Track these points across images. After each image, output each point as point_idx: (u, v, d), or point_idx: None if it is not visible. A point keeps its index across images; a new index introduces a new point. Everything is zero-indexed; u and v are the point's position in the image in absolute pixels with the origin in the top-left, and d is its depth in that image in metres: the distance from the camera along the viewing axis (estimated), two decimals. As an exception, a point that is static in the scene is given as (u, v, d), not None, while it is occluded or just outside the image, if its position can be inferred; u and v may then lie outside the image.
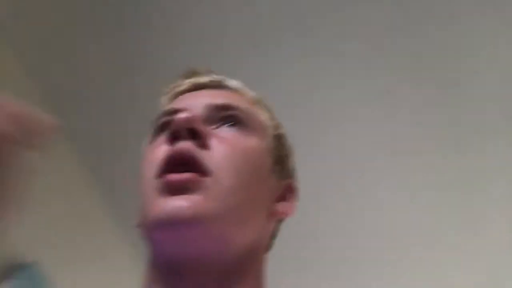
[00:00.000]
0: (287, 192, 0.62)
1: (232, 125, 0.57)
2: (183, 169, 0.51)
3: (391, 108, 1.60)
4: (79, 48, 1.63)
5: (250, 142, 0.57)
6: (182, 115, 0.53)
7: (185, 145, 0.52)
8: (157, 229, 0.50)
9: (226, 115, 0.57)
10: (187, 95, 0.62)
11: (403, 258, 1.76)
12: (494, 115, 1.55)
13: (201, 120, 0.54)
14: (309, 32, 1.52)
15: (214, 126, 0.56)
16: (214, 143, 0.54)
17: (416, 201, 1.70)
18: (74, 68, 1.67)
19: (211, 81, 0.63)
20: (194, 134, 0.52)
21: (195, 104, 0.58)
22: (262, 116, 0.62)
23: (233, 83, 0.64)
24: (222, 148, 0.54)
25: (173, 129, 0.53)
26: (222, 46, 1.56)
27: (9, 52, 1.63)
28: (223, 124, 0.57)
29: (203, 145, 0.53)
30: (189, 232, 0.49)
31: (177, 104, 0.60)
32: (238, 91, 0.63)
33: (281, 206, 0.59)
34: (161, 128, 0.58)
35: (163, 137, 0.55)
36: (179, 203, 0.49)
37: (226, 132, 0.56)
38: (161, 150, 0.54)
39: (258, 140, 0.58)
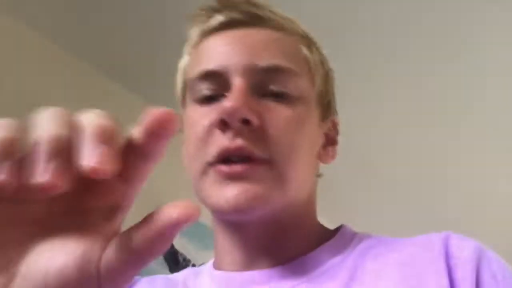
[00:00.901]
0: (330, 132, 0.61)
1: (283, 96, 0.54)
2: (237, 159, 0.50)
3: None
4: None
5: (302, 115, 0.54)
6: (228, 105, 0.50)
7: (241, 143, 0.50)
8: (218, 213, 0.54)
9: (275, 90, 0.53)
10: (222, 39, 0.56)
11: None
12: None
13: (248, 101, 0.51)
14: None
15: (261, 95, 0.53)
16: (266, 125, 0.52)
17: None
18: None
19: (251, 18, 0.56)
20: (245, 121, 0.51)
21: (235, 66, 0.53)
22: (312, 57, 0.58)
23: (278, 16, 0.57)
24: (275, 131, 0.52)
25: (223, 118, 0.51)
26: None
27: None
28: (275, 94, 0.53)
29: (256, 133, 0.51)
30: (251, 214, 0.51)
31: (212, 61, 0.55)
32: (285, 29, 0.57)
33: (324, 154, 0.59)
34: (201, 97, 0.55)
35: (208, 111, 0.53)
36: (237, 192, 0.50)
37: (275, 106, 0.53)
38: (213, 134, 0.52)
39: (308, 105, 0.56)
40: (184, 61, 0.61)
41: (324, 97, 0.59)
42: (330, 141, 0.61)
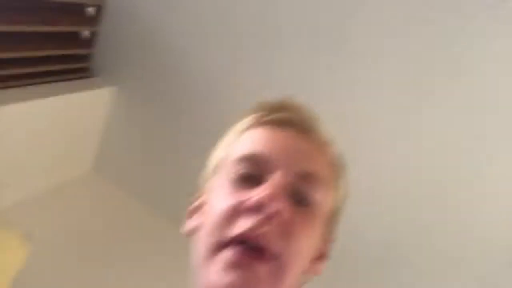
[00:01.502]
0: (324, 249, 0.62)
1: (307, 204, 0.57)
2: (252, 245, 0.51)
3: None
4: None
5: (316, 225, 0.57)
6: (270, 192, 0.52)
7: (267, 231, 0.51)
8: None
9: (304, 196, 0.56)
10: (278, 132, 0.59)
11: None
12: None
13: (285, 196, 0.54)
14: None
15: (291, 194, 0.55)
16: (289, 223, 0.53)
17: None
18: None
19: (305, 125, 0.60)
20: (278, 212, 0.52)
21: (282, 162, 0.56)
22: (339, 177, 0.62)
23: (324, 131, 0.62)
24: (291, 232, 0.53)
25: (261, 201, 0.52)
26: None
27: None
28: (300, 199, 0.56)
29: (281, 227, 0.52)
30: None
31: (263, 147, 0.57)
32: (323, 145, 0.61)
33: (314, 268, 0.60)
34: (241, 176, 0.57)
35: (240, 191, 0.55)
36: (239, 280, 0.50)
37: (298, 211, 0.55)
38: (239, 215, 0.53)
39: (323, 218, 0.59)
40: (229, 140, 0.63)
41: (335, 214, 0.62)
42: (321, 255, 0.62)
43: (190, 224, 0.62)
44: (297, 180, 0.56)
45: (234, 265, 0.50)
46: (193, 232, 0.61)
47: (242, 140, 0.61)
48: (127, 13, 1.83)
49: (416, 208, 1.69)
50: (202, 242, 0.55)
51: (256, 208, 0.52)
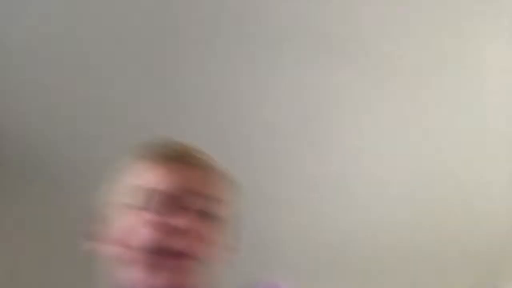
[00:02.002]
0: (232, 244, 0.79)
1: (207, 216, 0.72)
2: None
3: None
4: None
5: (221, 231, 0.74)
6: (182, 223, 0.67)
7: (188, 243, 0.68)
8: None
9: (206, 210, 0.71)
10: (174, 168, 0.73)
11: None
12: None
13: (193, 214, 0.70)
14: None
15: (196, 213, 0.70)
16: (196, 234, 0.69)
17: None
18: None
19: (197, 157, 0.76)
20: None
21: (187, 191, 0.71)
22: (230, 191, 0.78)
23: (205, 159, 0.77)
24: (203, 239, 0.70)
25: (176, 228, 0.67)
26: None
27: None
28: (201, 212, 0.71)
29: (194, 238, 0.69)
30: None
31: (168, 182, 0.71)
32: (211, 170, 0.76)
33: (223, 258, 0.77)
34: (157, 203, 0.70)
35: (162, 216, 0.69)
36: (169, 273, 0.66)
37: (201, 223, 0.70)
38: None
39: (223, 223, 0.74)
40: (131, 173, 0.76)
41: (234, 218, 0.78)
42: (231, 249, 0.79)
43: (104, 246, 0.73)
44: (200, 201, 0.71)
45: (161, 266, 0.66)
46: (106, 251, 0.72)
47: (145, 174, 0.73)
48: None
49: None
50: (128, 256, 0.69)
51: (176, 230, 0.68)
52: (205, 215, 0.71)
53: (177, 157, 0.74)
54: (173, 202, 0.69)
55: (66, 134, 1.76)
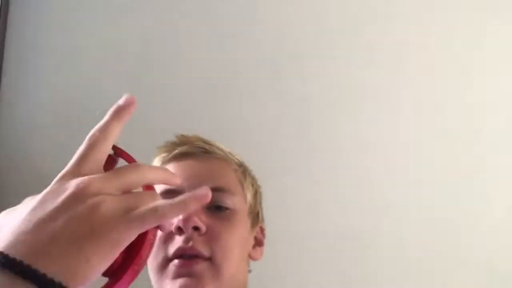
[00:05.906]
0: (258, 236, 0.79)
1: (223, 210, 0.72)
2: (188, 256, 0.68)
3: None
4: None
5: (236, 223, 0.72)
6: (184, 216, 0.66)
7: (192, 245, 0.68)
8: None
9: (216, 205, 0.71)
10: (180, 166, 0.73)
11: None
12: None
13: (197, 213, 0.68)
14: None
15: (206, 208, 0.70)
16: (210, 231, 0.69)
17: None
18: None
19: (200, 151, 0.75)
20: (196, 228, 0.69)
21: (188, 189, 0.68)
22: (244, 180, 0.76)
23: (220, 150, 0.76)
24: (216, 235, 0.70)
25: (179, 225, 0.68)
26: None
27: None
28: (216, 208, 0.71)
29: (203, 237, 0.69)
30: None
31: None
32: (225, 159, 0.75)
33: (253, 253, 0.77)
34: None
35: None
36: (186, 282, 0.66)
37: (217, 217, 0.70)
38: (171, 237, 0.69)
39: (241, 216, 0.73)
40: None
41: (253, 209, 0.77)
42: (259, 242, 0.78)
43: None
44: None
45: (179, 273, 0.66)
46: None
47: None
48: None
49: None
50: (150, 262, 0.70)
51: (179, 230, 0.68)
52: (216, 209, 0.71)
53: (184, 153, 0.74)
54: None
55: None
